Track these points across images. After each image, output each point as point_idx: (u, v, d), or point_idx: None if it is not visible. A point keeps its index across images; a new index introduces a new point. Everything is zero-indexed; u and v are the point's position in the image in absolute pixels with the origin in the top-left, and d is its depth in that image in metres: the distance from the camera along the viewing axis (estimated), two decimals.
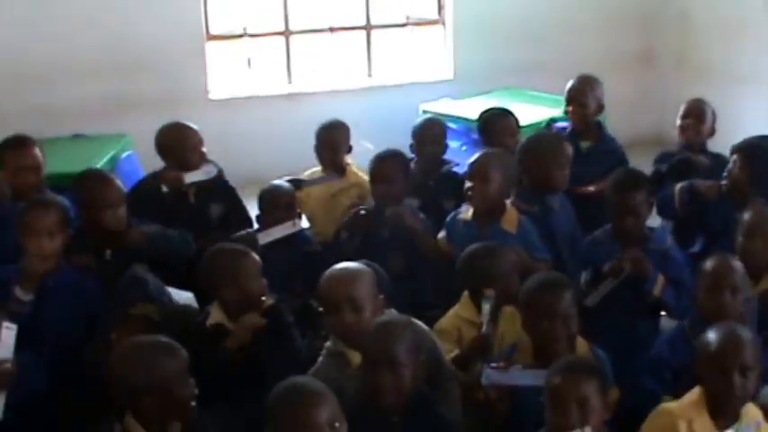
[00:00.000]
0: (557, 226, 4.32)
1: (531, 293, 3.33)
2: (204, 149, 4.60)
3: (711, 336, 3.00)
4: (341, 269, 3.30)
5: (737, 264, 3.47)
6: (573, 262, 4.19)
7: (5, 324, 3.16)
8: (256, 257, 3.59)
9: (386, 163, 4.45)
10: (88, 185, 4.03)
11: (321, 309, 3.30)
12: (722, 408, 2.97)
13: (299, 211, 4.46)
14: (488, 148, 4.49)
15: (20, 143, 4.31)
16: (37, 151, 4.31)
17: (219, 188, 4.64)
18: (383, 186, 4.40)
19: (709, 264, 3.45)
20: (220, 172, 4.65)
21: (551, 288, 3.30)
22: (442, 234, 4.30)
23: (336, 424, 2.62)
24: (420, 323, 3.38)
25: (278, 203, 4.36)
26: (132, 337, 3.04)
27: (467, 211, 4.20)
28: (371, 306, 3.19)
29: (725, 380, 2.92)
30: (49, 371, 3.48)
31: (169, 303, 3.73)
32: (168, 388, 2.79)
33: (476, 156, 4.25)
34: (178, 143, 4.54)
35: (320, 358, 3.33)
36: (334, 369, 3.16)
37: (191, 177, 4.49)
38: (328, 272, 3.30)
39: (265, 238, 4.21)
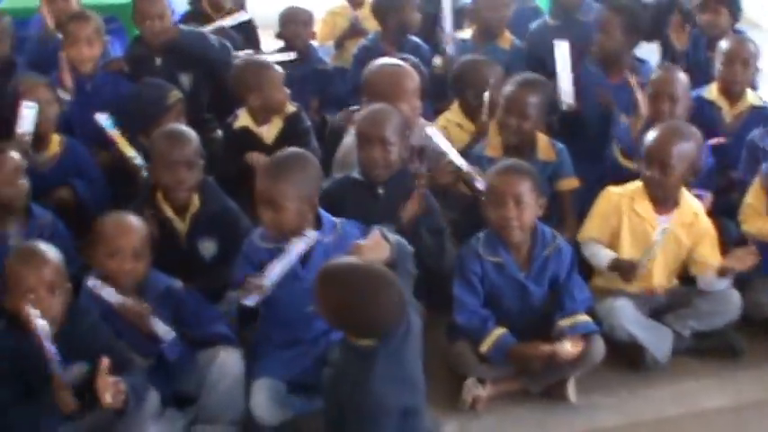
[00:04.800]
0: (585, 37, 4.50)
1: (509, 93, 3.62)
2: None
3: (651, 133, 3.36)
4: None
5: (681, 75, 3.77)
6: None
7: (26, 103, 3.63)
8: (279, 69, 3.93)
9: None
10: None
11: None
12: (658, 196, 3.32)
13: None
14: None
15: None
16: None
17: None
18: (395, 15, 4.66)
19: (654, 73, 3.86)
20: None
21: (528, 88, 3.60)
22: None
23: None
24: None
25: (296, 19, 4.74)
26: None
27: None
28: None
29: (659, 173, 3.26)
30: None
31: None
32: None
33: None
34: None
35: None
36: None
37: None
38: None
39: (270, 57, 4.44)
